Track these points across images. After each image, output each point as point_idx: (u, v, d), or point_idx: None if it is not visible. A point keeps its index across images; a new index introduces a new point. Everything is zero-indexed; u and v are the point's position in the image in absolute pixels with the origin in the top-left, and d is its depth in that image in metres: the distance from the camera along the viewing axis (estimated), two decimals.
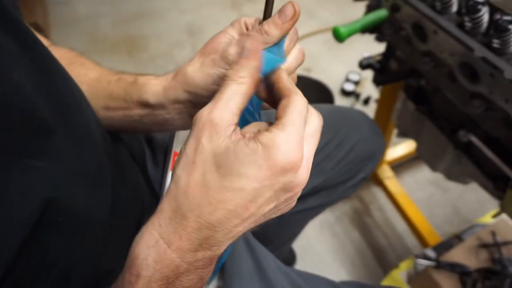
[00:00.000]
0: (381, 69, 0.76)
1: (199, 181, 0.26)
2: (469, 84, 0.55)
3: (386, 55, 0.74)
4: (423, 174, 1.27)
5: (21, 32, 0.30)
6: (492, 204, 1.15)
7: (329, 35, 1.83)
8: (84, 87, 0.42)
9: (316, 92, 1.35)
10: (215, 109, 0.26)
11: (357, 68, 1.59)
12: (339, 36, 0.70)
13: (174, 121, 0.39)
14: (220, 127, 0.26)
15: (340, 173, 0.61)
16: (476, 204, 1.19)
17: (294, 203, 0.30)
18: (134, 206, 0.45)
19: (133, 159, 0.49)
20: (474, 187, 1.23)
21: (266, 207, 0.27)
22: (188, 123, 0.40)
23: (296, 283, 0.46)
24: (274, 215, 0.30)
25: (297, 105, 0.28)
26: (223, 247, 0.28)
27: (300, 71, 1.62)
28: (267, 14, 0.32)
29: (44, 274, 0.30)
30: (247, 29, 0.36)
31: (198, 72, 0.36)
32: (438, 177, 1.27)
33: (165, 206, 0.27)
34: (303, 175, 0.28)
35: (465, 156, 0.71)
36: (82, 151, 0.33)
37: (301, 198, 0.62)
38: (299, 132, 0.27)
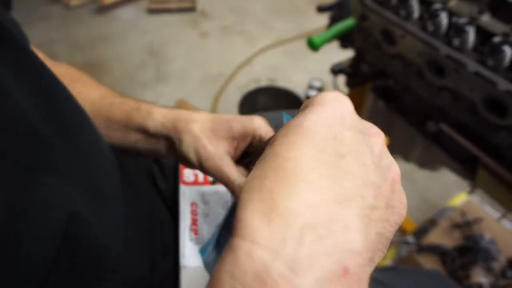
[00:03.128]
0: (353, 73, 0.83)
1: None
2: (436, 79, 0.62)
3: (356, 59, 0.81)
4: None
5: (20, 52, 0.31)
6: (455, 189, 1.26)
7: (288, 46, 1.92)
8: (86, 106, 0.42)
9: (285, 99, 1.41)
10: None
11: (318, 75, 1.68)
12: (314, 45, 0.76)
13: (160, 152, 0.41)
14: None
15: None
16: (441, 191, 1.30)
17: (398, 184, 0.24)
18: (152, 221, 0.46)
19: (143, 175, 0.50)
20: (438, 176, 1.34)
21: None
22: (170, 155, 0.41)
23: None
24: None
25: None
26: None
27: (264, 82, 1.68)
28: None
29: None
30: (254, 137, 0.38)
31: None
32: (406, 169, 1.37)
33: None
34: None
35: (434, 144, 0.79)
36: (89, 166, 0.34)
37: None
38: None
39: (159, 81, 1.73)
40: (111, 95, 0.44)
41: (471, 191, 0.72)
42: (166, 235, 0.49)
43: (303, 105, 0.25)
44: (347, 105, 0.24)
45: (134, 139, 0.41)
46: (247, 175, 0.39)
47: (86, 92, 0.44)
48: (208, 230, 0.50)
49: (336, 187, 0.20)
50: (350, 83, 0.84)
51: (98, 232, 0.33)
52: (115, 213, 0.36)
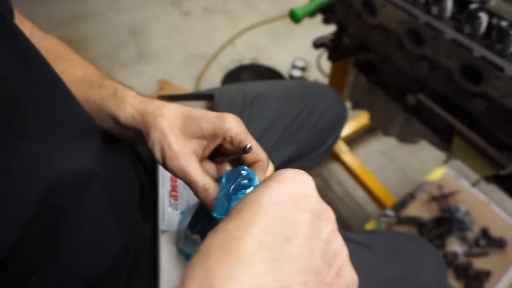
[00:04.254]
0: (334, 47, 0.83)
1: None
2: (415, 49, 0.63)
3: (338, 32, 0.81)
4: (373, 146, 1.39)
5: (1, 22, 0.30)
6: (433, 165, 1.29)
7: (271, 26, 1.90)
8: (68, 84, 0.41)
9: (268, 77, 1.41)
10: None
11: (302, 55, 1.68)
12: (296, 17, 0.76)
13: (134, 141, 0.41)
14: None
15: (313, 140, 0.67)
16: (420, 167, 1.33)
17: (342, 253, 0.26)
18: (132, 187, 0.46)
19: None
20: (418, 153, 1.37)
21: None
22: (144, 145, 0.40)
23: None
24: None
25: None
26: None
27: (247, 62, 1.67)
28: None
29: (47, 258, 0.30)
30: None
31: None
32: (387, 147, 1.39)
33: None
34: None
35: (413, 117, 0.81)
36: (66, 132, 0.34)
37: (278, 169, 0.66)
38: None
39: (140, 60, 1.70)
40: (94, 76, 0.43)
41: (447, 161, 0.74)
42: (146, 201, 0.48)
43: (264, 179, 0.25)
44: (307, 185, 0.25)
45: (107, 125, 0.40)
46: (215, 175, 0.39)
47: (71, 70, 0.43)
48: (188, 195, 0.51)
49: (276, 272, 0.21)
50: (332, 57, 0.84)
51: (76, 198, 0.32)
52: (94, 179, 0.35)
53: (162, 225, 0.46)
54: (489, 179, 0.70)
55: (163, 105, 0.37)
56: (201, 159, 0.37)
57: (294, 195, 0.24)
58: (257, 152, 0.36)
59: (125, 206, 0.42)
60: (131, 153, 0.52)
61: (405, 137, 0.91)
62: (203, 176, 0.35)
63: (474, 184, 0.70)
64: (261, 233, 0.22)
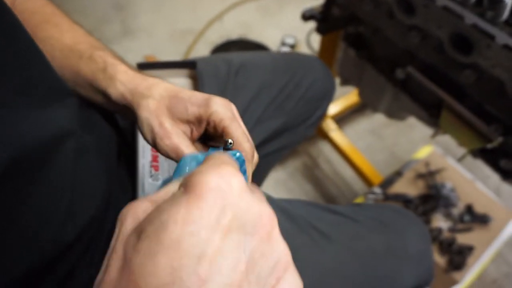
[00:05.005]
0: (323, 18, 0.80)
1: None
2: (406, 18, 0.61)
3: (328, 3, 0.79)
4: (362, 125, 1.39)
5: None
6: (421, 144, 1.29)
7: (261, 2, 1.86)
8: (55, 53, 0.40)
9: None
10: None
11: (291, 32, 1.64)
12: None
13: (127, 117, 0.39)
14: None
15: (300, 112, 0.65)
16: (408, 146, 1.33)
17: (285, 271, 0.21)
18: (110, 155, 0.44)
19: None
20: (406, 132, 1.37)
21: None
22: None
23: (279, 205, 0.49)
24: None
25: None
26: None
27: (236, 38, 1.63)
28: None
29: (7, 221, 0.29)
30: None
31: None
32: (375, 126, 1.39)
33: None
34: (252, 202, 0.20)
35: (402, 92, 0.79)
36: (40, 100, 0.32)
37: (267, 141, 0.65)
38: (223, 158, 0.21)
39: (126, 36, 1.64)
40: (84, 45, 0.40)
41: (434, 136, 0.73)
42: (125, 170, 0.47)
43: (182, 182, 0.20)
44: (234, 189, 0.19)
45: (100, 101, 0.39)
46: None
47: (58, 36, 0.40)
48: (169, 166, 0.49)
49: None
50: (321, 29, 0.82)
51: (45, 161, 0.31)
52: (64, 142, 0.33)
53: (141, 196, 0.45)
54: (476, 153, 0.70)
55: (153, 84, 0.36)
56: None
57: (217, 211, 0.18)
58: (240, 141, 0.33)
59: (99, 174, 0.40)
60: (109, 123, 0.50)
61: (393, 113, 0.90)
62: (184, 138, 0.33)
63: (460, 159, 0.70)
64: (169, 268, 0.17)
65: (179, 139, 0.33)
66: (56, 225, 0.31)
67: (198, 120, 0.34)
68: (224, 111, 0.34)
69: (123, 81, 0.36)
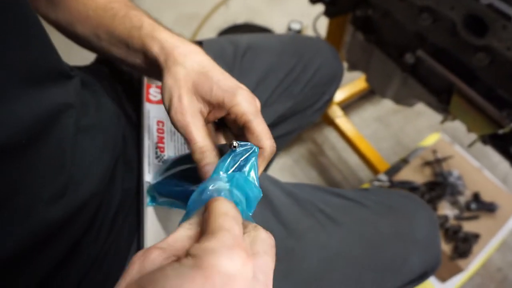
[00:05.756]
0: (331, 1, 0.78)
1: None
2: None
3: None
4: (368, 112, 1.37)
5: None
6: (428, 132, 1.28)
7: None
8: (90, 12, 0.39)
9: None
10: None
11: (298, 17, 1.62)
12: None
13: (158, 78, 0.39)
14: None
15: (308, 96, 0.64)
16: (415, 134, 1.32)
17: None
18: (114, 133, 0.43)
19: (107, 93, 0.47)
20: (413, 119, 1.36)
21: None
22: None
23: (286, 189, 0.49)
24: None
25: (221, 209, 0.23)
26: None
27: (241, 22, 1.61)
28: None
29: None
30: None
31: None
32: (382, 114, 1.37)
33: None
34: None
35: (411, 77, 0.78)
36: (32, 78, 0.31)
37: (273, 126, 0.64)
38: (235, 237, 0.21)
39: None
40: (117, 3, 0.39)
41: (443, 121, 0.72)
42: (129, 150, 0.46)
43: (192, 252, 0.20)
44: (242, 279, 0.19)
45: (132, 61, 0.38)
46: (216, 140, 0.36)
47: None
48: (175, 148, 0.48)
49: None
50: (329, 12, 0.80)
51: (47, 140, 0.30)
52: (65, 120, 0.33)
53: (147, 177, 0.44)
54: (486, 140, 0.68)
55: (189, 52, 0.35)
56: (205, 122, 0.35)
57: None
58: (261, 137, 0.32)
59: (102, 152, 0.39)
60: (115, 103, 0.49)
61: (401, 99, 0.88)
62: (204, 138, 0.32)
63: (470, 145, 0.68)
64: None
65: (192, 119, 0.33)
66: (53, 200, 0.31)
67: (219, 106, 0.34)
68: (247, 105, 0.33)
69: (161, 39, 0.35)
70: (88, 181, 0.35)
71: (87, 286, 0.37)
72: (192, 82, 0.34)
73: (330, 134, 1.32)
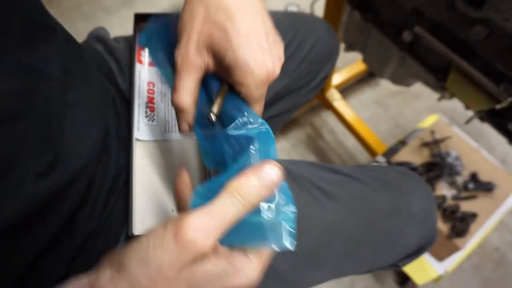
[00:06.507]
0: None
1: None
2: None
3: None
4: (366, 95, 1.36)
5: None
6: (426, 114, 1.27)
7: None
8: None
9: None
10: None
11: (295, 0, 1.59)
12: None
13: None
14: None
15: (303, 74, 0.63)
16: (413, 116, 1.31)
17: None
18: (105, 103, 0.43)
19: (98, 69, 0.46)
20: (411, 102, 1.35)
21: None
22: None
23: (282, 165, 0.48)
24: None
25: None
26: None
27: None
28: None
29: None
30: None
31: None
32: (380, 96, 1.37)
33: None
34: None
35: (408, 56, 0.77)
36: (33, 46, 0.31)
37: (269, 105, 0.63)
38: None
39: (125, 5, 1.60)
40: None
41: (440, 98, 0.71)
42: (123, 126, 0.46)
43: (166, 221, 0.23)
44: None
45: None
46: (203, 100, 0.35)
47: None
48: (165, 109, 0.48)
49: None
50: None
51: (28, 113, 0.30)
52: (48, 94, 0.32)
53: (136, 134, 0.44)
54: (483, 117, 0.68)
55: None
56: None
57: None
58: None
59: (91, 124, 0.38)
60: (105, 77, 0.48)
61: (399, 79, 0.88)
62: (189, 91, 0.32)
63: (467, 122, 0.68)
64: None
65: (188, 68, 0.32)
66: (42, 175, 0.30)
67: (226, 71, 0.32)
68: (255, 91, 0.32)
69: None
70: (77, 156, 0.34)
71: (81, 262, 0.37)
72: (207, 32, 0.31)
73: (328, 117, 1.31)
